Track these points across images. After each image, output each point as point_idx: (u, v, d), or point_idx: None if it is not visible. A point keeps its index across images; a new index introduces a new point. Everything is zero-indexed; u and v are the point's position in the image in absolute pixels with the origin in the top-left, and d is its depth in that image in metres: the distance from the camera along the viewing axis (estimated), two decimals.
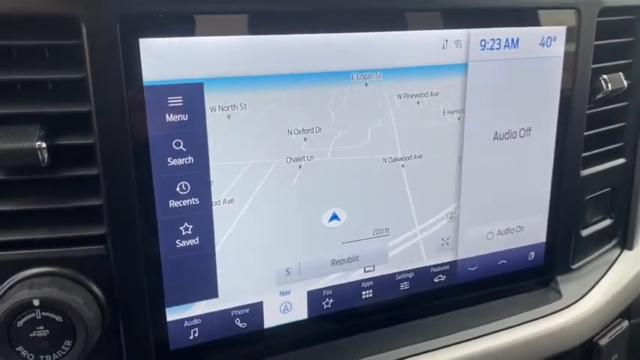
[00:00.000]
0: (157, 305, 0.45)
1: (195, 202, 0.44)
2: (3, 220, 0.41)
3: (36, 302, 0.40)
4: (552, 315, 0.59)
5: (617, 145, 0.64)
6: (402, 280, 0.55)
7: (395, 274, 0.54)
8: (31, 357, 0.40)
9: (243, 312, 0.49)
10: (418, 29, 0.48)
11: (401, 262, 0.54)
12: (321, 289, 0.51)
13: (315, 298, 0.51)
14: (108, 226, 0.42)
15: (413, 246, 0.54)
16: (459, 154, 0.53)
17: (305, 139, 0.47)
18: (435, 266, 0.56)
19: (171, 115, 0.42)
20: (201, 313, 0.47)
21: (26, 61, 0.39)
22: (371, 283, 0.53)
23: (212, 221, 0.45)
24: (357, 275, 0.53)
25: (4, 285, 0.41)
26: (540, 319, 0.59)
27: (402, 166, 0.51)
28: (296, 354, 0.51)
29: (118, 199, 0.42)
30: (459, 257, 0.57)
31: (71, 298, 0.41)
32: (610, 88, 0.58)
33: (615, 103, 0.63)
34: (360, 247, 0.52)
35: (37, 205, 0.41)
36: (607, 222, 0.66)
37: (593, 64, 0.58)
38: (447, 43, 0.50)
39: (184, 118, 0.42)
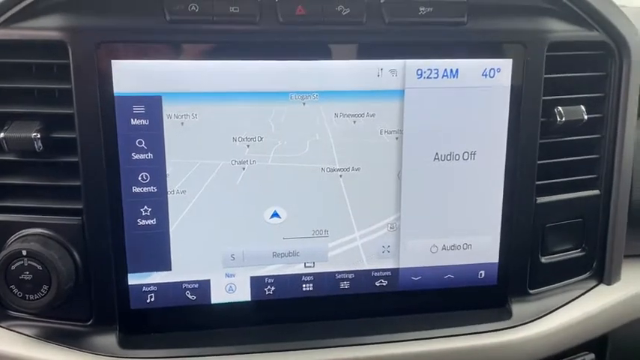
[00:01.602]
0: (121, 270, 0.57)
1: (153, 190, 0.56)
2: (10, 190, 0.55)
3: (24, 252, 0.53)
4: (495, 332, 0.61)
5: (589, 176, 0.65)
6: (343, 280, 0.61)
7: (335, 272, 0.61)
8: (19, 294, 0.54)
9: (192, 286, 0.59)
10: (354, 59, 0.56)
11: (341, 262, 0.61)
12: (263, 277, 0.60)
13: (257, 283, 0.60)
14: (84, 202, 0.55)
15: (353, 249, 0.61)
16: (398, 170, 0.59)
17: (248, 146, 0.56)
18: (376, 271, 0.62)
19: (136, 119, 0.54)
20: (157, 281, 0.58)
21: (30, 75, 0.54)
22: (311, 277, 0.61)
23: (167, 207, 0.56)
24: (297, 269, 0.60)
25: (9, 240, 0.55)
26: (480, 334, 0.61)
27: (340, 176, 0.58)
28: (239, 330, 0.60)
29: (92, 182, 0.54)
30: (401, 266, 0.62)
31: (49, 253, 0.54)
32: (564, 119, 0.61)
33: (586, 134, 0.64)
34: (300, 244, 0.60)
35: (34, 182, 0.55)
36: (577, 252, 0.66)
37: (550, 95, 0.61)
38: (382, 72, 0.57)
39: (146, 122, 0.54)
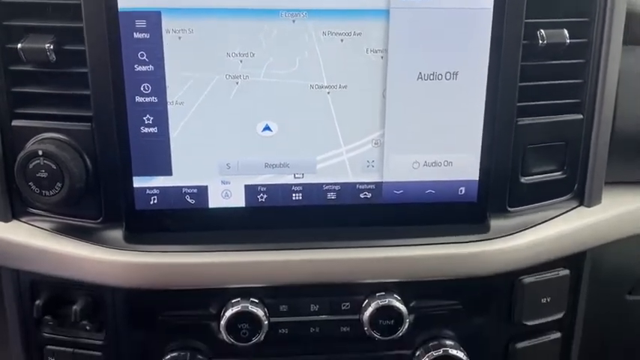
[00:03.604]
0: (127, 173, 0.63)
1: (154, 100, 0.61)
2: (29, 98, 0.61)
3: (40, 152, 0.59)
4: (473, 243, 0.65)
5: (572, 100, 0.67)
6: (329, 191, 0.66)
7: (322, 184, 0.66)
8: (37, 190, 0.61)
9: (192, 191, 0.64)
10: None
11: (328, 174, 0.65)
12: (256, 185, 0.65)
13: (251, 191, 0.65)
14: (93, 110, 0.61)
15: (339, 163, 0.65)
16: (383, 89, 0.63)
17: (241, 62, 0.61)
18: (361, 183, 0.66)
19: (138, 33, 0.59)
20: (159, 185, 0.64)
21: None
22: (300, 188, 0.66)
23: (167, 117, 0.61)
24: (288, 179, 0.65)
25: (28, 143, 0.62)
26: (458, 244, 0.65)
27: (328, 93, 0.63)
28: (233, 232, 0.65)
29: (100, 91, 0.60)
30: (385, 180, 0.66)
31: (62, 154, 0.60)
32: (545, 42, 0.63)
33: (570, 59, 0.66)
34: (290, 157, 0.64)
35: (49, 90, 0.61)
36: (558, 175, 0.69)
37: (533, 18, 0.63)
38: None
39: (147, 36, 0.59)
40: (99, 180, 0.63)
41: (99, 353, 0.66)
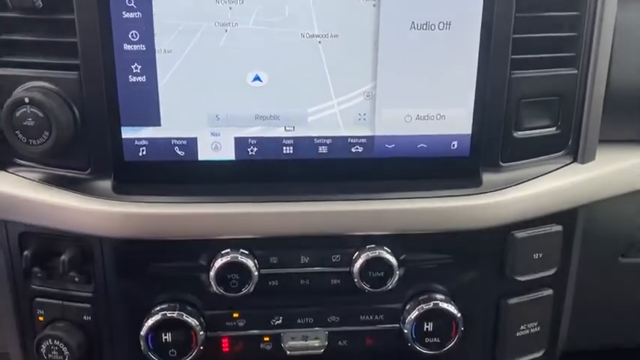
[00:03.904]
0: (115, 123, 0.62)
1: (142, 48, 0.60)
2: (16, 46, 0.60)
3: (27, 100, 0.59)
4: (464, 196, 0.65)
5: (567, 54, 0.67)
6: (321, 144, 0.65)
7: (314, 137, 0.65)
8: (24, 139, 0.60)
9: (181, 143, 0.64)
10: None
11: (319, 127, 0.65)
12: (246, 138, 0.64)
13: (241, 144, 0.64)
14: (81, 58, 0.60)
15: (330, 115, 0.64)
16: (375, 39, 0.62)
17: (230, 8, 0.60)
18: (353, 137, 0.65)
19: None
20: (148, 136, 0.63)
21: None
22: (291, 141, 0.65)
23: (155, 65, 0.61)
24: (278, 132, 0.64)
25: (15, 91, 0.61)
26: (449, 197, 0.65)
27: (319, 42, 0.62)
28: (224, 186, 0.65)
29: (87, 39, 0.59)
30: (376, 133, 0.65)
31: (49, 101, 0.59)
32: None
33: (565, 11, 0.65)
34: (281, 108, 0.64)
35: (36, 37, 0.60)
36: (552, 130, 0.69)
37: None
38: None
39: None
40: (87, 130, 0.62)
41: (88, 305, 0.66)
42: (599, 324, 0.84)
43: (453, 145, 0.67)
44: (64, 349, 0.65)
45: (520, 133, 0.68)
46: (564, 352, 0.83)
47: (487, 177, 0.67)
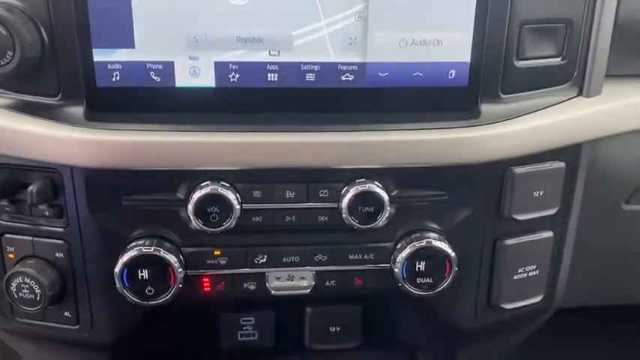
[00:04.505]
0: (85, 44, 0.57)
1: None
2: None
3: None
4: (462, 128, 0.61)
5: None
6: (308, 71, 0.61)
7: (300, 63, 0.60)
8: None
9: (156, 67, 0.59)
10: None
11: (306, 52, 0.60)
12: (228, 62, 0.60)
13: (221, 69, 0.60)
14: None
15: (319, 39, 0.60)
16: None
17: None
18: (343, 64, 0.61)
19: None
20: (121, 59, 0.58)
21: None
22: (276, 67, 0.60)
23: None
24: (262, 57, 0.60)
25: None
26: (446, 129, 0.61)
27: None
28: (204, 115, 0.60)
29: None
30: (368, 60, 0.61)
31: (13, 17, 0.54)
32: None
33: None
34: (265, 30, 0.59)
35: None
36: (557, 61, 0.64)
37: None
38: None
39: None
40: (55, 51, 0.57)
41: (60, 241, 0.62)
42: (598, 277, 0.80)
43: (451, 74, 0.62)
44: (36, 287, 0.61)
45: (522, 62, 0.63)
46: (560, 308, 0.80)
47: (486, 108, 0.63)
